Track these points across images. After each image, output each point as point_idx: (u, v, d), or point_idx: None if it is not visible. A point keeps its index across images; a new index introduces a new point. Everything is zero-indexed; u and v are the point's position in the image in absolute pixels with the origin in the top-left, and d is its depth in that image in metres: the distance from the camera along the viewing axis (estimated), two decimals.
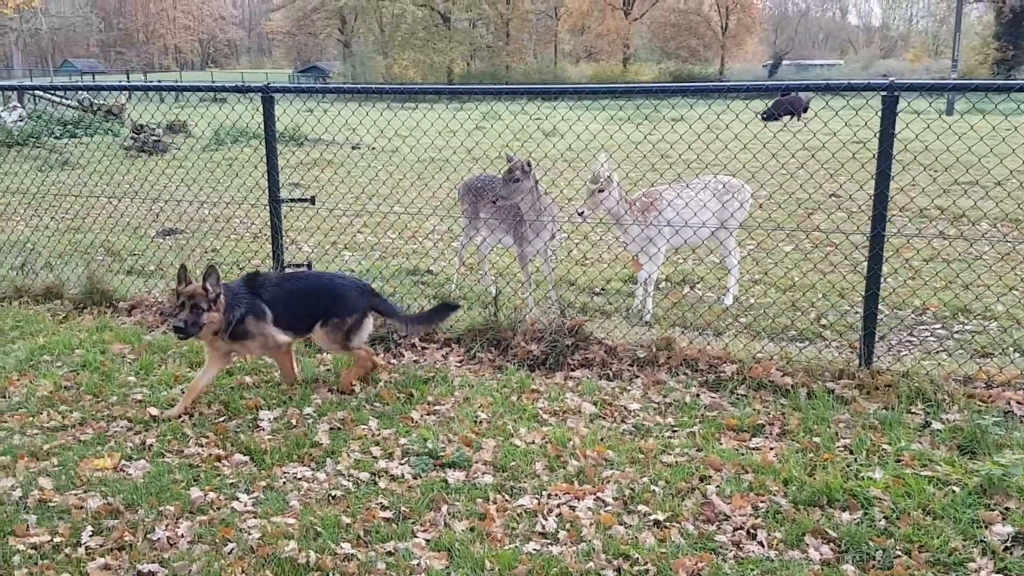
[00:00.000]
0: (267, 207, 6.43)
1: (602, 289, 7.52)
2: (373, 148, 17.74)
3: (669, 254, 7.21)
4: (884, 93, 4.77)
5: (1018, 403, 4.72)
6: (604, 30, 64.22)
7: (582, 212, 6.41)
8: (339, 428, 4.68)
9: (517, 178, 6.42)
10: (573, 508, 3.83)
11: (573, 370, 5.50)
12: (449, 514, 3.79)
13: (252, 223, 10.36)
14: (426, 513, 3.79)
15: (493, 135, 15.03)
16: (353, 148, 18.29)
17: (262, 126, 6.31)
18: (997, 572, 3.25)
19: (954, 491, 3.81)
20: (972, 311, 6.63)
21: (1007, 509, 3.66)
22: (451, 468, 4.21)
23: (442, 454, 4.33)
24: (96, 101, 23.30)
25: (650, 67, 61.33)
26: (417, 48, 59.34)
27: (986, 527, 3.53)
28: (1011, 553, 3.36)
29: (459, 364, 5.69)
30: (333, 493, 3.96)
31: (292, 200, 6.56)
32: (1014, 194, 10.65)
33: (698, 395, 5.05)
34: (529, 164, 6.48)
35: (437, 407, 4.97)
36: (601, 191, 6.39)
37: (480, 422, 4.74)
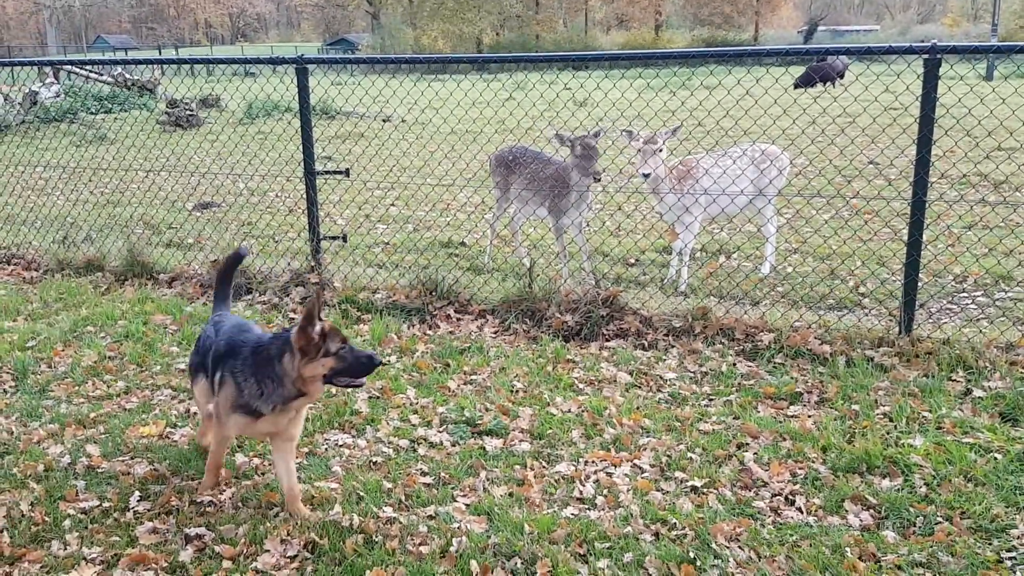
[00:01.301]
0: (302, 180, 6.48)
1: (637, 260, 7.48)
2: (404, 121, 17.75)
3: (705, 223, 7.16)
4: (926, 56, 4.66)
5: None
6: None
7: (647, 173, 6.39)
8: (378, 397, 4.74)
9: (597, 151, 6.57)
10: (610, 475, 3.85)
11: (608, 340, 5.51)
12: (488, 480, 3.83)
13: (287, 196, 10.44)
14: (465, 479, 3.84)
15: (525, 105, 14.97)
16: (384, 121, 18.30)
17: (295, 99, 6.34)
18: None
19: (996, 458, 3.78)
20: (1014, 278, 6.51)
21: None
22: (488, 436, 4.26)
23: (479, 422, 4.38)
24: (130, 76, 23.52)
25: (683, 34, 60.35)
26: (446, 19, 58.92)
27: None
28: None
29: (494, 335, 5.72)
30: (374, 459, 4.02)
31: (327, 172, 6.59)
32: None
33: (735, 364, 5.03)
34: (596, 134, 6.61)
35: (473, 377, 5.01)
36: (660, 151, 6.40)
37: (516, 391, 4.77)
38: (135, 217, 9.22)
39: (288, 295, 6.33)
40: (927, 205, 4.95)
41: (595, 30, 65.24)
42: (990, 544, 3.21)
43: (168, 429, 4.37)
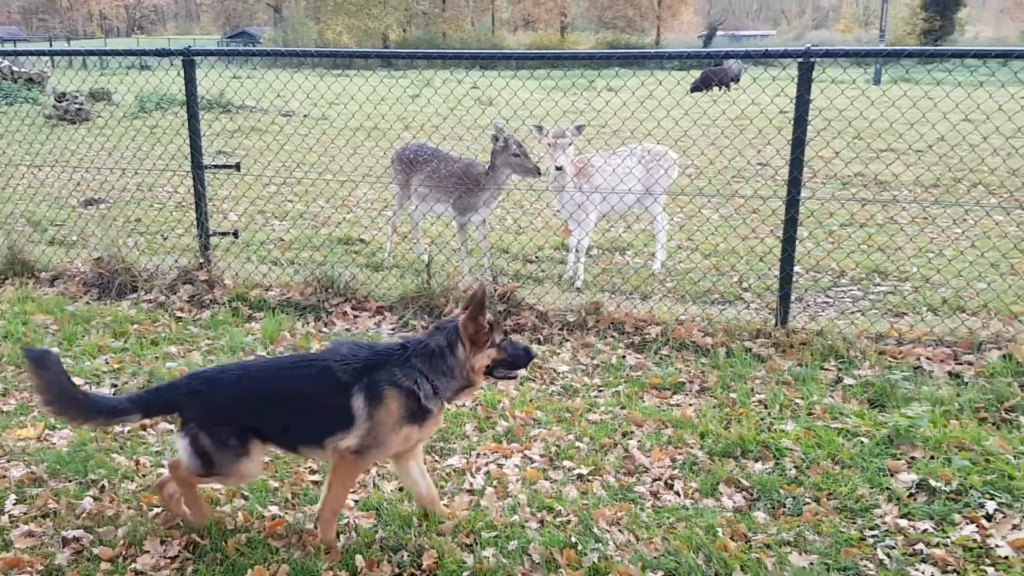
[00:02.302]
0: (190, 174, 6.32)
1: (535, 256, 7.59)
2: (305, 116, 17.46)
3: (598, 220, 7.32)
4: (800, 60, 4.91)
5: (927, 359, 4.96)
6: None
7: (560, 166, 6.52)
8: None
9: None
10: (501, 466, 3.92)
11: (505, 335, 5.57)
12: (378, 476, 3.84)
13: (176, 192, 10.14)
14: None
15: (434, 102, 14.94)
16: (284, 116, 17.96)
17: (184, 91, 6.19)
18: (901, 517, 3.44)
19: (863, 442, 4.02)
20: (886, 273, 6.90)
21: (912, 458, 3.88)
22: None
23: None
24: (16, 69, 22.35)
25: (587, 36, 61.35)
26: (351, 13, 58.13)
27: (892, 475, 3.73)
28: (915, 499, 3.56)
29: (392, 331, 5.71)
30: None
31: (216, 166, 6.45)
32: (928, 160, 11.10)
33: (624, 356, 5.18)
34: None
35: None
36: (570, 145, 6.53)
37: None
38: (16, 214, 8.79)
39: (175, 293, 6.17)
40: (801, 203, 5.21)
41: (502, 30, 65.54)
42: (854, 523, 3.42)
43: (47, 431, 4.20)
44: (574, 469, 3.88)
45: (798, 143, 5.01)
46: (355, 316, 5.94)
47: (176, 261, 6.57)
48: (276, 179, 10.76)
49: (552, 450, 4.05)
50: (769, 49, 5.22)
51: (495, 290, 5.75)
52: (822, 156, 10.83)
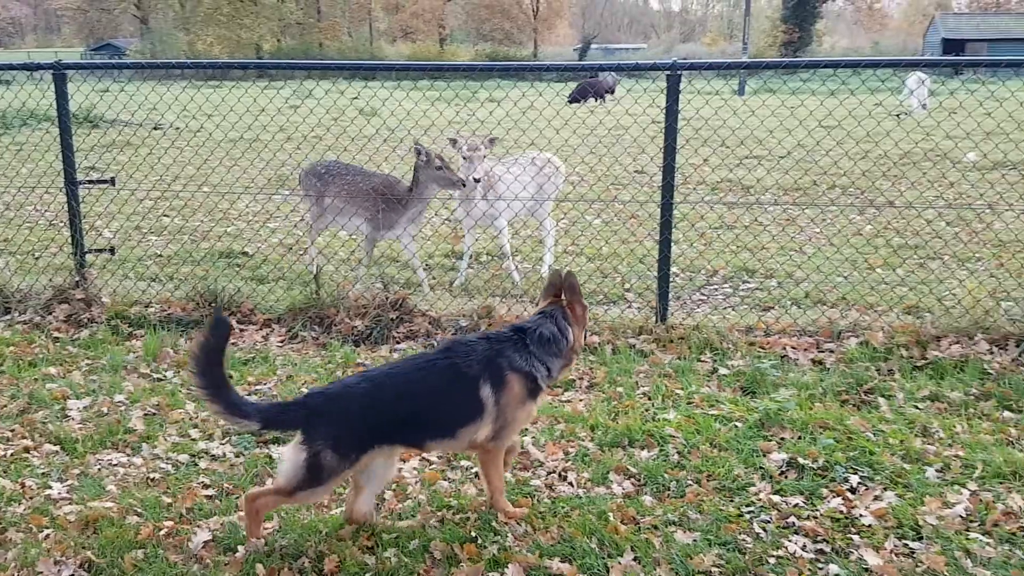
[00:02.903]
0: (63, 191, 6.09)
1: (426, 264, 7.67)
2: (177, 129, 16.90)
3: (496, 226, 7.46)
4: (668, 72, 5.21)
5: (792, 348, 5.34)
6: (419, 9, 63.92)
7: (478, 178, 6.64)
8: (154, 414, 4.58)
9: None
10: (400, 470, 3.98)
11: (399, 343, 5.64)
12: None
13: (48, 209, 9.67)
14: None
15: (315, 113, 14.74)
16: (155, 129, 17.34)
17: (53, 107, 5.96)
18: (775, 493, 3.71)
19: (737, 426, 4.30)
20: (754, 270, 7.35)
21: (782, 439, 4.18)
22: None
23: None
24: None
25: (467, 48, 61.76)
26: (222, 24, 56.49)
27: (764, 455, 4.01)
28: (785, 476, 3.85)
29: (281, 344, 5.67)
30: (152, 476, 3.90)
31: (90, 182, 6.23)
32: (788, 165, 11.84)
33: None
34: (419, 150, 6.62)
35: (259, 387, 4.97)
36: (485, 157, 6.66)
37: None
38: None
39: (51, 313, 5.92)
40: (675, 207, 5.51)
41: (380, 40, 65.22)
42: (732, 501, 3.66)
43: None
44: (472, 468, 3.98)
45: (669, 150, 5.31)
46: (241, 330, 5.85)
47: (51, 280, 6.29)
48: (153, 194, 10.42)
49: (449, 452, 4.14)
50: (639, 63, 5.51)
51: (387, 298, 5.80)
52: (692, 164, 11.41)
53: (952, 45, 53.50)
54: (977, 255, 7.57)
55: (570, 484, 3.82)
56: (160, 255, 7.90)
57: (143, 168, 11.68)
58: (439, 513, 3.58)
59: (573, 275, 3.57)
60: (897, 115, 19.14)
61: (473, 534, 3.39)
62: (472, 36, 67.04)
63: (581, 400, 4.69)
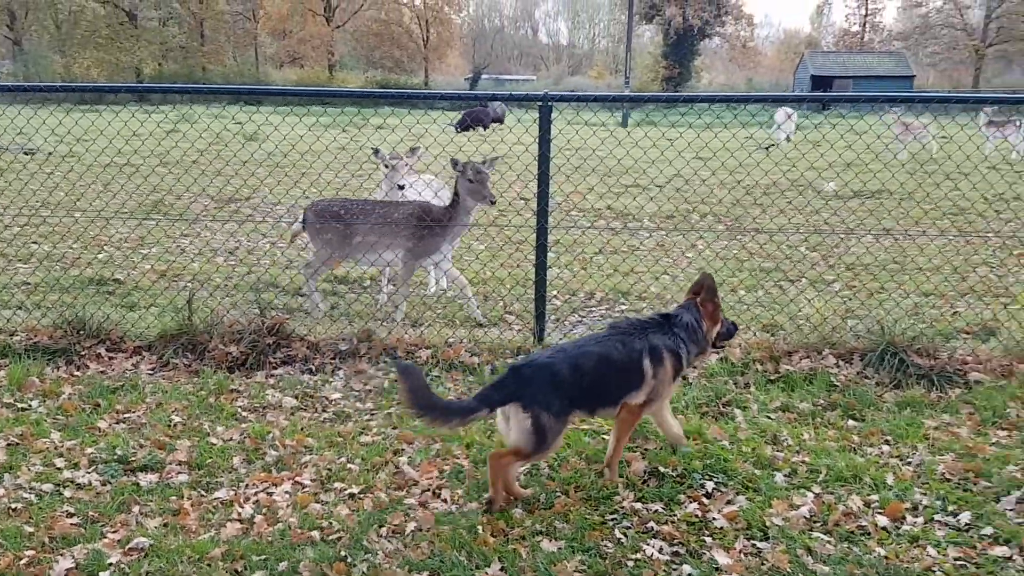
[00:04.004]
0: None
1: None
2: (49, 153, 16.19)
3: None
4: (540, 104, 5.43)
5: None
6: (307, 35, 63.22)
7: (403, 185, 6.73)
8: (17, 443, 4.41)
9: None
10: (271, 494, 3.97)
11: (275, 368, 5.60)
12: (141, 514, 3.76)
13: None
14: (117, 516, 3.74)
15: (191, 137, 14.42)
16: (27, 154, 16.55)
17: None
18: (636, 501, 3.90)
19: (605, 439, 4.48)
20: (629, 293, 7.65)
21: (646, 450, 4.39)
22: (143, 471, 4.17)
23: (133, 459, 4.27)
24: None
25: (356, 75, 61.47)
26: (100, 47, 54.32)
27: (629, 465, 4.20)
28: (648, 485, 4.05)
29: (152, 371, 5.55)
30: (13, 506, 3.76)
31: None
32: (666, 194, 12.37)
33: (396, 380, 5.37)
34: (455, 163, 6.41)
35: (127, 415, 4.85)
36: (407, 167, 6.80)
37: (174, 425, 4.70)
38: None
39: None
40: (549, 231, 5.72)
41: (267, 65, 64.11)
42: (597, 510, 3.82)
43: None
44: (346, 489, 4.01)
45: (543, 178, 5.52)
46: (110, 358, 5.69)
47: None
48: (19, 219, 9.95)
49: (323, 474, 4.16)
50: (513, 93, 5.73)
51: (263, 323, 5.75)
52: (579, 191, 11.77)
53: (820, 82, 57.04)
54: (832, 277, 8.11)
55: (444, 501, 3.90)
56: (27, 283, 7.57)
57: (8, 193, 11.15)
58: (310, 535, 3.60)
59: (711, 277, 4.22)
60: (766, 147, 20.30)
61: (343, 553, 3.42)
62: (362, 63, 66.83)
63: None
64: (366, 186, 12.28)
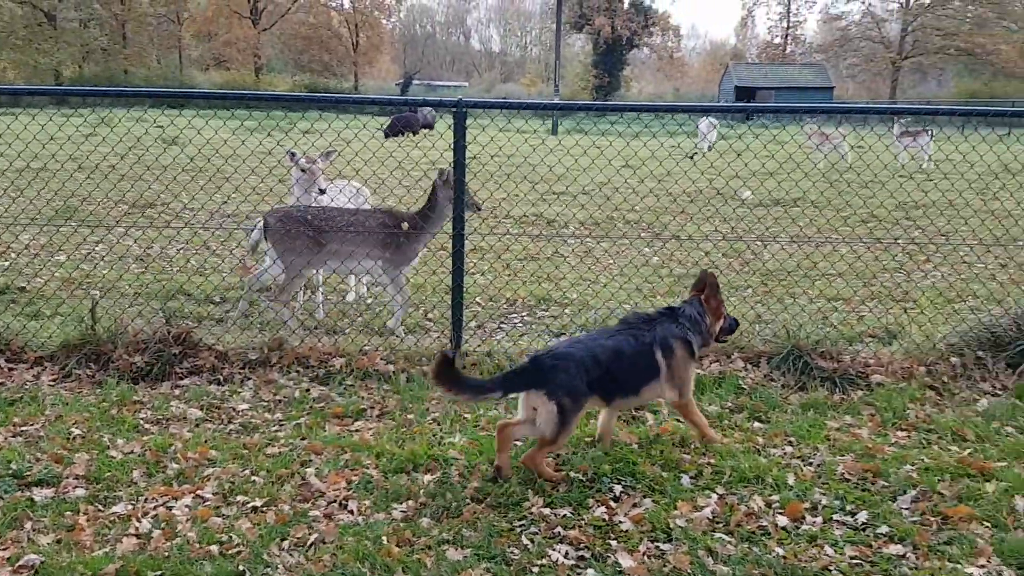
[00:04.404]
0: None
1: (222, 298, 7.45)
2: None
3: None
4: (454, 110, 5.42)
5: None
6: (232, 38, 61.88)
7: (323, 189, 6.64)
8: None
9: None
10: (170, 508, 3.86)
11: (182, 378, 5.45)
12: (34, 530, 3.61)
13: None
14: (8, 532, 3.58)
15: (109, 141, 13.97)
16: None
17: None
18: (546, 506, 3.90)
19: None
20: (552, 299, 7.69)
21: (558, 455, 4.40)
22: (38, 486, 4.01)
23: (28, 474, 4.10)
24: None
25: (284, 78, 60.53)
26: (17, 48, 52.28)
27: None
28: (557, 490, 4.06)
29: (53, 383, 5.34)
30: None
31: None
32: (593, 201, 12.50)
33: (308, 390, 5.29)
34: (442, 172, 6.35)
35: (25, 428, 4.65)
36: (322, 171, 6.72)
37: (73, 438, 4.53)
38: None
39: None
40: (465, 238, 5.71)
41: (192, 68, 62.63)
42: (506, 516, 3.82)
43: None
44: (249, 503, 3.92)
45: (459, 184, 5.50)
46: (10, 369, 5.47)
47: None
48: None
49: (226, 487, 4.06)
50: (427, 99, 5.70)
51: (169, 332, 5.59)
52: (513, 197, 11.79)
53: (744, 92, 58.49)
54: (746, 283, 8.30)
55: (350, 512, 3.84)
56: None
57: None
58: (210, 549, 3.50)
59: (713, 275, 4.57)
60: (691, 155, 20.71)
61: (242, 567, 3.34)
62: (290, 66, 65.86)
63: (370, 429, 4.72)
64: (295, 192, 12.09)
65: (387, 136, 24.38)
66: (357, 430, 4.73)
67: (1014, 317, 5.72)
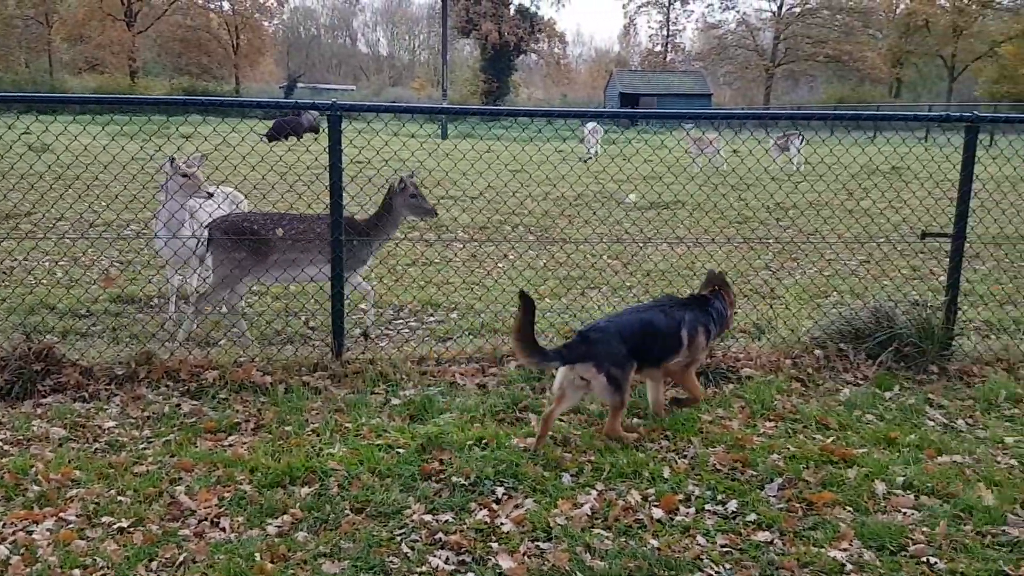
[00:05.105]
0: None
1: (87, 311, 7.07)
2: None
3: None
4: (329, 114, 5.33)
5: (461, 374, 5.63)
6: (106, 41, 59.00)
7: (211, 192, 6.40)
8: None
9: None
10: (30, 533, 3.63)
11: (44, 396, 5.14)
12: None
13: None
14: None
15: None
16: None
17: None
18: (427, 513, 3.87)
19: (400, 452, 4.44)
20: (439, 304, 7.67)
21: (441, 460, 4.38)
22: None
23: None
24: None
25: (162, 82, 58.18)
26: None
27: (423, 478, 4.19)
28: (440, 496, 4.04)
29: None
30: None
31: None
32: (481, 205, 12.54)
33: (179, 404, 5.09)
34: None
35: None
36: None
37: None
38: None
39: None
40: (344, 244, 5.62)
41: (63, 72, 59.45)
42: (386, 526, 3.77)
43: None
44: (115, 523, 3.73)
45: (335, 189, 5.41)
46: None
47: None
48: None
49: (91, 508, 3.85)
50: (299, 101, 5.58)
51: (30, 348, 5.27)
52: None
53: (628, 99, 60.06)
54: (629, 284, 8.50)
55: (222, 529, 3.71)
56: None
57: None
58: (73, 573, 3.31)
59: (721, 274, 5.25)
60: (585, 160, 21.13)
61: None
62: (168, 70, 63.40)
63: (245, 443, 4.57)
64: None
65: (270, 140, 23.76)
66: (231, 445, 4.57)
67: (872, 310, 6.06)
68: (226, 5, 64.51)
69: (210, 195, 6.48)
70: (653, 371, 4.88)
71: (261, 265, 6.29)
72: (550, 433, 4.62)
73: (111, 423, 4.81)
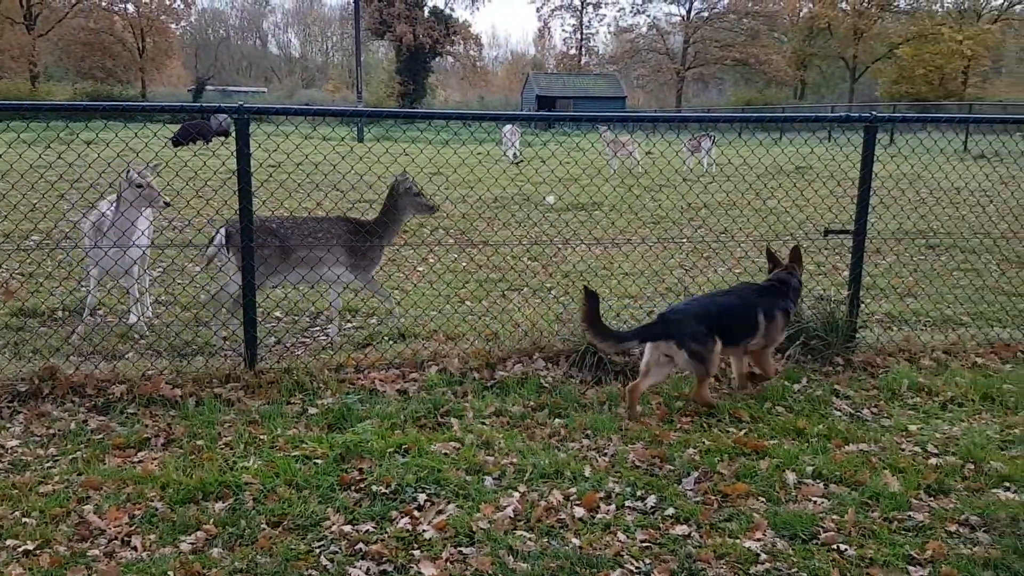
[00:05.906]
0: None
1: None
2: None
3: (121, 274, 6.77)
4: (236, 116, 5.20)
5: (381, 381, 5.57)
6: (5, 45, 56.13)
7: (168, 202, 6.37)
8: None
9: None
10: None
11: None
12: None
13: None
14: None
15: None
16: None
17: None
18: (347, 524, 3.81)
19: (318, 463, 4.37)
20: (357, 310, 7.57)
21: (360, 469, 4.32)
22: None
23: None
24: None
25: (64, 87, 55.77)
26: None
27: (342, 489, 4.12)
28: (360, 506, 3.98)
29: None
30: None
31: None
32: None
33: (85, 421, 4.89)
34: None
35: None
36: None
37: None
38: None
39: None
40: (254, 250, 5.50)
41: None
42: (304, 538, 3.69)
43: None
44: (20, 546, 3.56)
45: (244, 194, 5.28)
46: None
47: None
48: None
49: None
50: (203, 104, 5.46)
51: None
52: (322, 206, 11.46)
53: (545, 101, 60.54)
54: (549, 285, 8.57)
55: (134, 548, 3.58)
56: None
57: None
58: None
59: (799, 248, 5.64)
60: (516, 162, 21.19)
61: None
62: (70, 74, 60.82)
63: (155, 459, 4.42)
64: (80, 205, 11.15)
65: (176, 144, 23.02)
66: (140, 461, 4.41)
67: None
68: (131, 7, 62.27)
69: (167, 204, 6.37)
70: (733, 349, 5.28)
71: (286, 265, 6.47)
72: (634, 404, 5.05)
73: (14, 442, 4.59)
